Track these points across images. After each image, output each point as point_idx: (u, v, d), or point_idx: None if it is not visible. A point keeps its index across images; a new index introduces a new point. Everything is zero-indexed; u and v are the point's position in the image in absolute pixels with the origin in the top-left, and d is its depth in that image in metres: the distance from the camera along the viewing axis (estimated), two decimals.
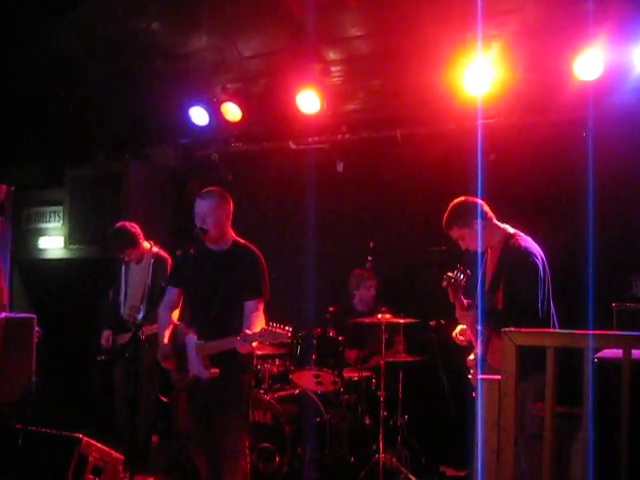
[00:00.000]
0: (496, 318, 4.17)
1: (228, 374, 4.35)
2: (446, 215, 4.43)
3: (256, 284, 4.40)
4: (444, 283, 4.26)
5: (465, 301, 4.34)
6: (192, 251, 4.40)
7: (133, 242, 6.02)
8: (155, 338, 4.69)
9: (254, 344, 4.14)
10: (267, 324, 4.12)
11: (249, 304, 4.36)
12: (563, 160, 6.01)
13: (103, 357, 6.17)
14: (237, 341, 4.10)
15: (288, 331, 4.06)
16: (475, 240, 4.35)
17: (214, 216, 4.36)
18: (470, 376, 4.63)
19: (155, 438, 6.68)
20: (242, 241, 4.53)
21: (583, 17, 5.20)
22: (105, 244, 6.25)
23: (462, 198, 4.46)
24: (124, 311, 6.12)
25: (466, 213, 4.37)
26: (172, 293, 4.60)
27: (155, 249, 6.13)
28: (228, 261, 4.43)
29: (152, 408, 6.18)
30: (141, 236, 6.10)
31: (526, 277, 4.15)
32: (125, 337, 5.97)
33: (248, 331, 4.08)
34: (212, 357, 4.31)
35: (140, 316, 5.93)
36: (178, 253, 4.46)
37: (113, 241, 6.06)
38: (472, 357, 4.54)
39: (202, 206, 4.37)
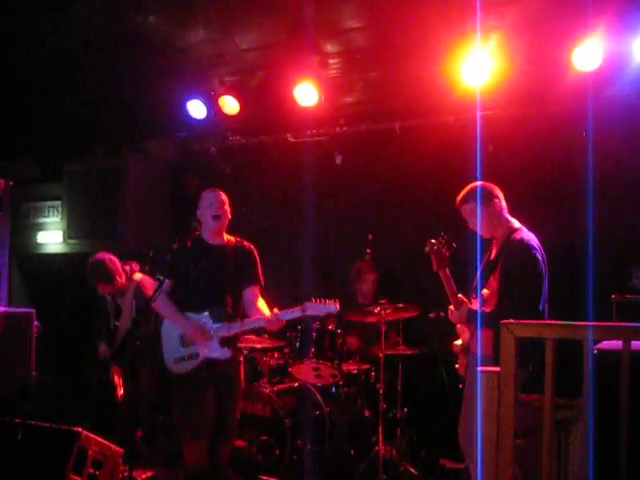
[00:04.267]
0: (493, 316, 4.16)
1: (235, 355, 4.78)
2: (465, 191, 4.49)
3: (256, 272, 4.83)
4: (427, 249, 4.38)
5: (459, 296, 4.36)
6: (189, 244, 4.64)
7: (106, 278, 5.88)
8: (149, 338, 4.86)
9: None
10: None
11: (252, 290, 4.79)
12: (562, 151, 6.00)
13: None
14: (271, 319, 4.49)
15: (335, 301, 4.44)
16: (487, 219, 4.40)
17: (228, 208, 4.76)
18: (457, 365, 4.64)
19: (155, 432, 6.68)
20: (233, 237, 4.87)
21: (582, 8, 5.17)
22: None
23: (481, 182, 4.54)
24: (117, 334, 6.07)
25: (487, 191, 4.46)
26: (168, 285, 4.68)
27: (136, 277, 5.99)
28: (228, 253, 4.77)
29: (152, 405, 6.17)
30: (118, 272, 5.94)
31: (526, 269, 4.18)
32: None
33: (276, 310, 4.52)
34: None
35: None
36: (175, 247, 4.58)
37: (88, 273, 5.94)
38: (459, 342, 4.56)
39: (223, 196, 4.76)
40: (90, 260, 5.99)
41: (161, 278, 4.53)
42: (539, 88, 6.08)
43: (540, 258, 4.23)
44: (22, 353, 6.36)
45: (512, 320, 2.81)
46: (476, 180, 4.61)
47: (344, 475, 5.73)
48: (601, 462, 2.74)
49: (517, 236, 4.31)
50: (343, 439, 5.95)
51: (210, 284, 4.68)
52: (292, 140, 7.42)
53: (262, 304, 4.76)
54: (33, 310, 6.55)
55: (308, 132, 7.33)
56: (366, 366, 6.14)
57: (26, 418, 4.93)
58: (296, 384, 6.12)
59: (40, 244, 8.49)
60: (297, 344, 6.19)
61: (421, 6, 5.62)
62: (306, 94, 6.59)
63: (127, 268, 6.10)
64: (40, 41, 6.61)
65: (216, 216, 4.66)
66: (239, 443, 5.63)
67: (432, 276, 4.52)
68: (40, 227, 8.50)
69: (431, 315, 5.86)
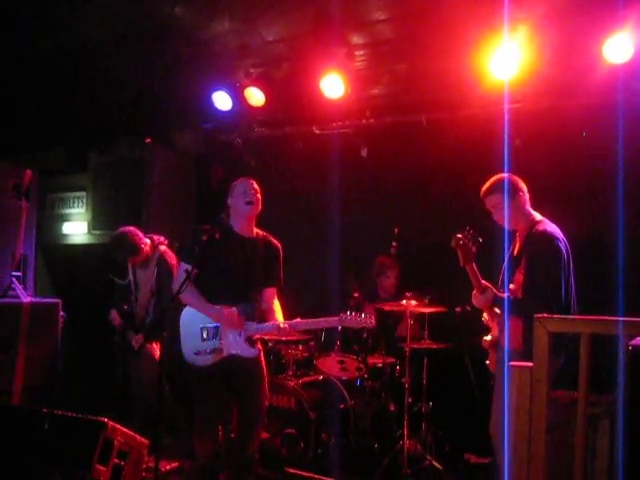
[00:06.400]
0: (518, 303, 4.16)
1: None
2: (491, 182, 4.46)
3: (279, 272, 4.77)
4: (452, 243, 4.32)
5: (483, 282, 4.33)
6: (217, 236, 4.53)
7: (134, 251, 5.92)
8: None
9: None
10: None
11: (272, 291, 4.76)
12: (591, 145, 5.92)
13: (117, 339, 6.16)
14: (333, 321, 4.55)
15: (371, 316, 4.49)
16: (511, 211, 4.37)
17: (260, 197, 4.68)
18: (488, 362, 4.61)
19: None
20: (262, 231, 4.79)
21: None
22: (108, 252, 6.15)
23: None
24: (136, 309, 6.09)
25: (512, 183, 4.42)
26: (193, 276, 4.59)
27: (161, 248, 6.05)
28: (258, 247, 4.68)
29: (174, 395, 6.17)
30: (142, 241, 5.98)
31: (549, 259, 4.15)
32: (137, 338, 5.98)
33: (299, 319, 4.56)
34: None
35: (148, 320, 5.96)
36: (204, 238, 4.48)
37: (114, 250, 5.96)
38: (489, 337, 4.53)
39: (256, 185, 4.71)
40: (113, 236, 6.01)
41: (189, 269, 4.44)
42: (568, 80, 6.00)
43: (563, 249, 4.20)
44: (48, 343, 6.41)
45: (546, 314, 2.77)
46: (502, 173, 4.57)
47: (368, 469, 5.70)
48: (632, 459, 2.70)
49: (540, 227, 4.29)
50: (367, 433, 5.94)
51: (241, 278, 4.55)
52: (318, 132, 7.42)
53: (277, 307, 4.73)
54: (59, 300, 6.59)
55: (334, 124, 7.32)
56: (391, 360, 6.12)
57: (52, 407, 4.95)
58: (321, 377, 6.12)
59: (65, 235, 8.56)
60: (322, 337, 6.18)
61: None
62: (332, 86, 6.56)
63: (155, 238, 6.16)
64: (67, 32, 6.63)
65: (249, 202, 4.58)
66: (263, 435, 5.62)
67: (458, 270, 4.48)
68: (65, 218, 8.57)
69: (457, 309, 5.83)
